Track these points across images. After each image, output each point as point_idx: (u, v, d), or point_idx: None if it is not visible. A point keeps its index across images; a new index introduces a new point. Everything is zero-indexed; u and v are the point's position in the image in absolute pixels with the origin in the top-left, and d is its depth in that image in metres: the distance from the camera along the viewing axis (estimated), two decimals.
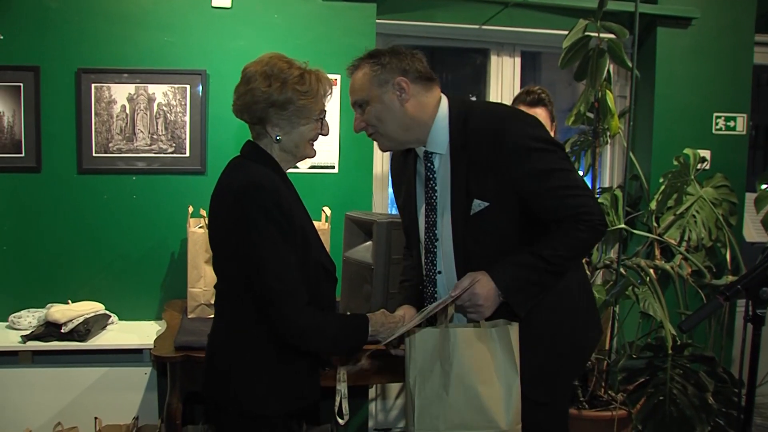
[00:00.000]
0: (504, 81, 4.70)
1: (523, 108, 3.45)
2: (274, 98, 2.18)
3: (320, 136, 2.32)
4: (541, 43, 4.72)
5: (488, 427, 2.17)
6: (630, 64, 3.82)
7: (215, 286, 2.33)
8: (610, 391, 3.94)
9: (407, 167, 2.53)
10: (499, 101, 4.62)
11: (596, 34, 3.79)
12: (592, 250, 2.36)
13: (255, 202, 2.08)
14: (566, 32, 3.87)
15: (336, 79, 4.00)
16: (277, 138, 2.23)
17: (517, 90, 4.66)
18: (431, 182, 2.39)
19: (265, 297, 2.10)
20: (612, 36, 3.81)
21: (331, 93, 2.31)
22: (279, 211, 2.09)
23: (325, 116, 2.30)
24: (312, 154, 2.34)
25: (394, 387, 4.61)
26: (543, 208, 2.28)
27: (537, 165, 2.25)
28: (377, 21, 4.19)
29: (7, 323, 3.82)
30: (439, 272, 2.45)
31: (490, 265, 2.27)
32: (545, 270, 2.25)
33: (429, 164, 2.39)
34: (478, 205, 2.28)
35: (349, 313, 2.41)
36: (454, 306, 2.24)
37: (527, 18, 4.53)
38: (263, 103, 2.20)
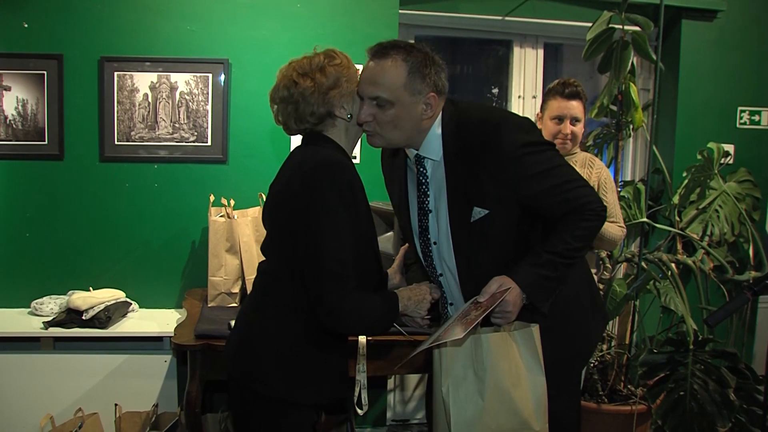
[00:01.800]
0: (527, 73, 4.67)
1: (559, 100, 3.41)
2: (326, 84, 2.21)
3: None
4: (564, 35, 4.69)
5: (522, 429, 2.18)
6: (654, 57, 3.79)
7: (261, 269, 2.35)
8: (629, 386, 3.92)
9: (396, 167, 2.51)
10: (521, 93, 4.61)
11: (621, 26, 3.77)
12: (596, 236, 2.35)
13: (329, 181, 2.09)
14: (590, 24, 3.84)
15: (357, 69, 3.98)
16: (349, 116, 2.26)
17: (540, 82, 4.64)
18: (423, 186, 2.38)
19: (315, 275, 2.11)
20: (636, 28, 3.78)
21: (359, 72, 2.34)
22: (351, 192, 2.12)
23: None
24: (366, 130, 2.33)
25: (413, 378, 4.61)
26: (546, 206, 2.29)
27: (534, 168, 2.24)
28: (400, 11, 4.18)
29: (29, 309, 3.85)
30: (440, 275, 2.46)
31: (498, 268, 2.28)
32: (561, 264, 2.26)
33: (421, 168, 2.37)
34: (478, 213, 2.27)
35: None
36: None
37: (551, 9, 4.50)
38: (319, 94, 2.21)
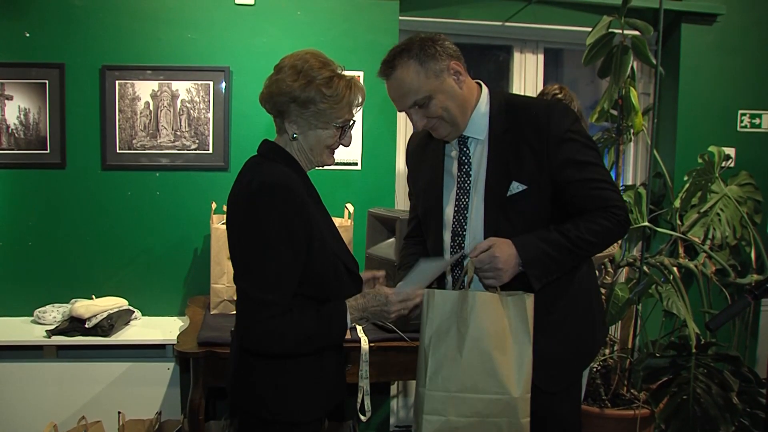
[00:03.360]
0: (527, 78, 4.68)
1: None
2: (296, 94, 2.13)
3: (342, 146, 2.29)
4: (564, 40, 4.70)
5: (499, 393, 2.16)
6: (654, 61, 3.80)
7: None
8: (632, 390, 3.92)
9: (430, 152, 2.53)
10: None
11: (620, 31, 3.78)
12: (612, 244, 2.35)
13: (265, 204, 2.02)
14: (590, 29, 3.85)
15: (359, 76, 4.00)
16: (294, 136, 2.18)
17: (540, 87, 4.65)
18: (465, 166, 2.40)
19: (239, 296, 2.10)
20: (636, 33, 3.79)
21: (361, 104, 2.22)
22: (287, 214, 2.03)
23: (350, 126, 2.22)
24: (329, 162, 2.25)
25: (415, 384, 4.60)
26: (576, 197, 2.30)
27: (577, 156, 2.28)
28: (400, 18, 4.19)
29: (32, 318, 3.86)
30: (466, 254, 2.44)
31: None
32: (568, 249, 2.26)
33: (464, 149, 2.40)
34: (516, 187, 2.30)
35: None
36: (473, 269, 2.22)
37: (550, 15, 4.51)
38: (285, 97, 2.14)
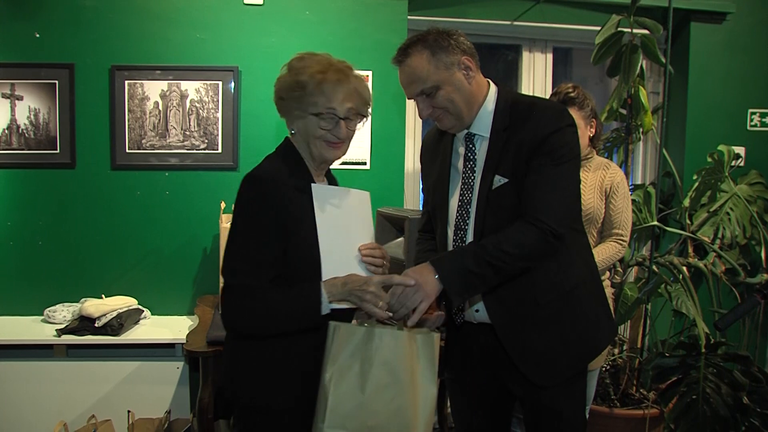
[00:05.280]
0: (536, 77, 4.68)
1: None
2: (279, 88, 2.22)
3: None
4: (573, 39, 4.70)
5: None
6: (663, 60, 3.79)
7: None
8: (641, 390, 3.91)
9: (442, 148, 2.55)
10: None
11: (629, 30, 3.77)
12: (539, 258, 2.30)
13: (243, 194, 2.12)
14: (598, 28, 3.84)
15: (368, 75, 4.00)
16: (292, 131, 2.24)
17: (549, 86, 4.65)
18: (470, 162, 2.41)
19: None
20: (645, 32, 3.78)
21: (343, 96, 2.17)
22: (257, 204, 2.09)
23: (329, 115, 2.17)
24: (328, 156, 2.23)
25: None
26: (525, 188, 2.29)
27: (548, 166, 2.27)
28: (409, 17, 4.19)
29: (42, 317, 3.88)
30: None
31: None
32: (486, 262, 2.20)
33: (470, 145, 2.42)
34: (498, 180, 2.32)
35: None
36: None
37: (559, 14, 4.51)
38: (277, 93, 2.23)
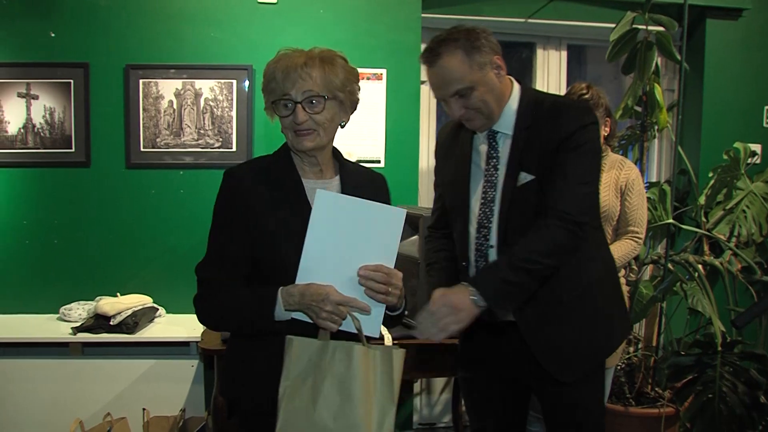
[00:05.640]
0: (550, 75, 4.66)
1: None
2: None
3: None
4: (587, 37, 4.68)
5: None
6: (679, 57, 3.77)
7: None
8: (657, 388, 3.90)
9: (459, 145, 2.54)
10: None
11: (644, 27, 3.75)
12: (569, 253, 2.31)
13: (220, 189, 2.17)
14: (613, 25, 3.83)
15: (381, 74, 4.00)
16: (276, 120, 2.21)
17: (564, 83, 4.63)
18: (493, 160, 2.42)
19: None
20: (660, 28, 3.76)
21: (298, 79, 2.06)
22: (224, 200, 2.14)
23: (286, 101, 2.09)
24: (297, 146, 2.14)
25: (439, 382, 4.61)
26: (550, 182, 2.31)
27: (572, 161, 2.29)
28: (423, 15, 4.18)
29: (58, 315, 3.90)
30: (491, 246, 2.44)
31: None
32: (521, 269, 2.22)
33: (493, 143, 2.42)
34: (524, 177, 2.33)
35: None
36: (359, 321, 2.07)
37: (574, 11, 4.49)
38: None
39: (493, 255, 2.42)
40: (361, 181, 2.25)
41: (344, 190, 2.18)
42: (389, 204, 2.20)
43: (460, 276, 2.50)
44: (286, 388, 2.02)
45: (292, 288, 2.04)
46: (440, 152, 2.66)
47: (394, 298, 2.07)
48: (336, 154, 2.27)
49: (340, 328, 2.04)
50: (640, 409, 3.75)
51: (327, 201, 2.03)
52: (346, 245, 2.04)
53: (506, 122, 2.39)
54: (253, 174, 2.16)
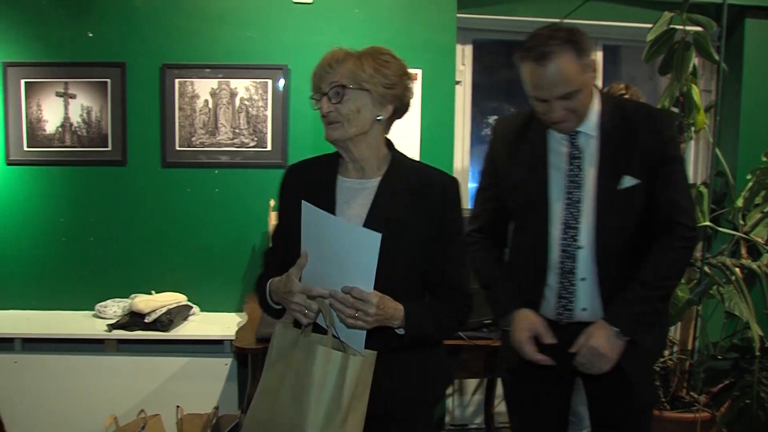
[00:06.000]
0: None
1: None
2: None
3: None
4: (623, 37, 4.64)
5: None
6: (717, 57, 3.72)
7: None
8: (692, 393, 3.85)
9: (529, 144, 2.51)
10: None
11: (682, 27, 3.71)
12: (689, 264, 2.42)
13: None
14: (648, 25, 3.78)
15: (416, 74, 3.99)
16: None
17: (599, 84, 4.59)
18: (577, 161, 2.43)
19: None
20: (698, 28, 3.71)
21: (326, 73, 2.10)
22: (281, 192, 2.28)
23: (317, 95, 2.14)
24: (325, 136, 2.16)
25: (471, 383, 4.59)
26: (659, 198, 2.39)
27: (677, 171, 2.41)
28: (458, 15, 4.17)
29: (93, 312, 3.94)
30: (580, 247, 2.44)
31: (621, 240, 2.41)
32: (656, 297, 2.39)
33: (575, 143, 2.43)
34: (628, 181, 2.37)
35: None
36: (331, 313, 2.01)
37: (609, 11, 4.46)
38: None
39: (582, 256, 2.43)
40: (406, 185, 2.17)
41: (379, 193, 2.15)
42: (456, 210, 2.18)
43: (527, 281, 2.53)
44: (267, 365, 2.10)
45: (274, 280, 2.11)
46: (501, 151, 2.59)
47: (365, 323, 1.97)
48: (393, 153, 2.23)
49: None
50: (675, 413, 3.71)
51: (311, 215, 1.99)
52: (329, 262, 1.98)
53: (589, 123, 2.40)
54: (302, 169, 2.27)
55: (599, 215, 2.39)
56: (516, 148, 2.54)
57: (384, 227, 1.91)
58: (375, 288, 1.95)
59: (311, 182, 2.20)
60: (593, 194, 2.40)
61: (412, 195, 2.14)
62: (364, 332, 2.00)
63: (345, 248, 1.94)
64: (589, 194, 2.40)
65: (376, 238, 1.88)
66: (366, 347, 2.00)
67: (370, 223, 2.07)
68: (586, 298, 2.44)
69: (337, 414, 1.94)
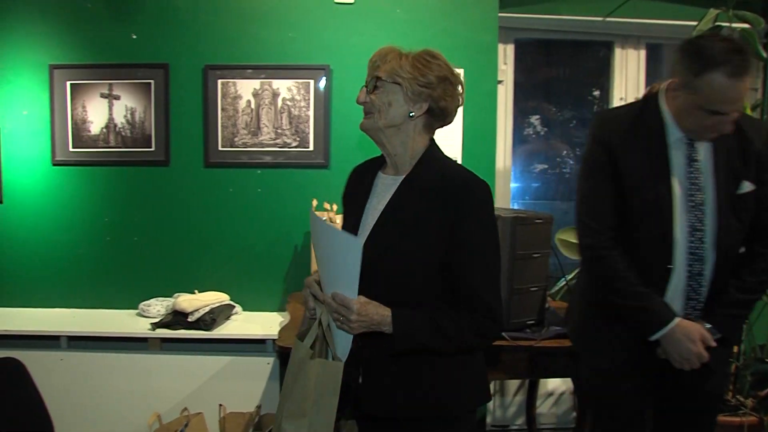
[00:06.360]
0: (628, 74, 4.58)
1: None
2: None
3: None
4: (667, 35, 4.58)
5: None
6: (764, 55, 3.67)
7: None
8: (738, 396, 3.79)
9: (647, 148, 2.51)
10: (623, 96, 4.54)
11: (728, 24, 3.66)
12: None
13: None
14: (693, 23, 3.74)
15: (459, 73, 3.97)
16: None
17: (642, 83, 4.55)
18: (696, 163, 2.48)
19: None
20: (745, 25, 3.67)
21: (371, 64, 2.18)
22: (343, 192, 2.39)
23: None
24: (360, 124, 2.23)
25: (513, 384, 4.57)
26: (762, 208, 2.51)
27: None
28: (499, 15, 4.15)
29: (137, 311, 3.98)
30: (707, 249, 2.50)
31: (737, 242, 2.52)
32: (752, 300, 2.59)
33: (691, 147, 2.49)
34: (747, 186, 2.47)
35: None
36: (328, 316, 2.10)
37: (653, 9, 4.41)
38: None
39: (711, 258, 2.50)
40: (427, 185, 2.11)
41: (398, 191, 2.15)
42: (477, 214, 2.05)
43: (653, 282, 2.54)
44: (290, 365, 2.14)
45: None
46: (621, 147, 2.52)
47: (349, 328, 2.00)
48: (428, 152, 2.19)
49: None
50: (721, 417, 3.65)
51: (313, 220, 2.09)
52: (325, 266, 2.05)
53: None
54: (360, 168, 2.36)
55: (722, 218, 2.46)
56: (634, 141, 2.52)
57: (394, 226, 2.06)
58: (384, 289, 2.01)
59: (362, 179, 2.28)
60: (713, 197, 2.47)
61: (430, 194, 2.08)
62: (351, 337, 2.04)
63: (335, 253, 2.00)
64: (710, 197, 2.47)
65: (357, 243, 1.92)
66: (367, 352, 2.08)
67: (381, 220, 2.13)
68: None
69: (299, 410, 2.03)
